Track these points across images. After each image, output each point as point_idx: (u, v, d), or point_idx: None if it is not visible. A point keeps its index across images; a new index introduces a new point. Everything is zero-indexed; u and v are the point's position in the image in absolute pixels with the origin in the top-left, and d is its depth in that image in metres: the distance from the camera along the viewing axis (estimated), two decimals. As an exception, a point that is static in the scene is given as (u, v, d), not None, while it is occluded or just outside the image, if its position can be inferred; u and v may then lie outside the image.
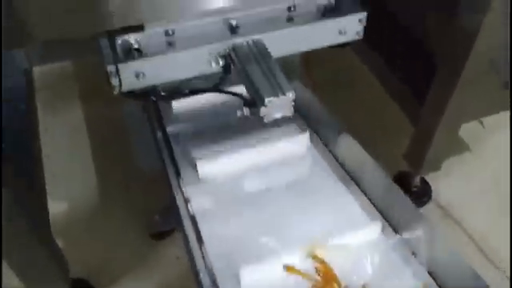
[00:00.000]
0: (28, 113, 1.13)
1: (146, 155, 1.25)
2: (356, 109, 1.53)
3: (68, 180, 1.36)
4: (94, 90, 1.52)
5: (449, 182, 1.40)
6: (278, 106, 0.79)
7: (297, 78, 1.15)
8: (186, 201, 0.96)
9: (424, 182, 1.38)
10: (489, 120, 1.49)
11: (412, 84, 1.21)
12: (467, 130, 1.48)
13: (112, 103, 1.30)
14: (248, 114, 0.81)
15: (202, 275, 0.82)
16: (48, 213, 1.13)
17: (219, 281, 0.82)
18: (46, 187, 1.19)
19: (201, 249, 0.87)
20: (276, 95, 0.78)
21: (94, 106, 1.57)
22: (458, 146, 1.49)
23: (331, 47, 0.97)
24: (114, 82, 0.80)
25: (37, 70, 1.60)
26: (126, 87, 0.82)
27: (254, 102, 0.80)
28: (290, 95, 0.78)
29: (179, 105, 1.12)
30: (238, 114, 0.81)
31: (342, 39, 0.94)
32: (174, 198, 0.97)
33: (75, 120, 1.53)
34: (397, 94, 1.27)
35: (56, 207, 1.25)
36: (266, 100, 0.77)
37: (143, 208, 1.27)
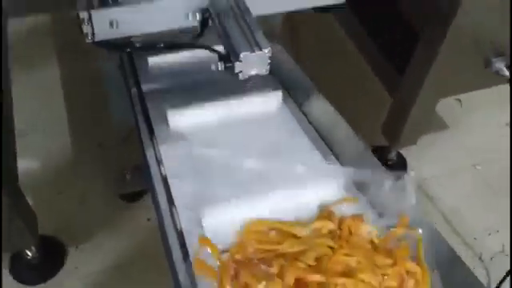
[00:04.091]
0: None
1: (121, 113, 1.22)
2: (337, 79, 1.51)
3: (40, 137, 1.34)
4: (71, 45, 1.49)
5: (425, 159, 1.41)
6: (253, 61, 0.77)
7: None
8: (158, 160, 0.95)
9: (400, 157, 1.38)
10: (467, 99, 1.51)
11: (393, 56, 1.20)
12: (446, 109, 1.50)
13: (89, 59, 1.27)
14: (222, 68, 0.79)
15: (170, 236, 0.80)
16: (16, 166, 1.10)
17: (187, 240, 0.78)
18: (18, 144, 1.17)
19: (171, 209, 0.85)
20: (252, 50, 0.76)
21: (70, 61, 1.53)
22: (436, 124, 1.50)
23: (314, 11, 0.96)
24: (87, 29, 0.78)
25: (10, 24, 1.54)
26: (99, 36, 0.80)
27: (229, 56, 0.78)
28: (267, 51, 0.77)
29: (155, 61, 1.09)
30: (213, 67, 0.79)
31: (325, 1, 0.92)
32: (146, 156, 0.95)
33: (50, 76, 1.49)
34: (377, 65, 1.26)
35: (26, 164, 1.22)
36: (242, 55, 0.75)
37: (116, 168, 1.26)
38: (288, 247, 0.77)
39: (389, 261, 0.77)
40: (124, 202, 1.25)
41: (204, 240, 0.77)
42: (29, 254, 1.09)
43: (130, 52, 0.89)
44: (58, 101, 1.42)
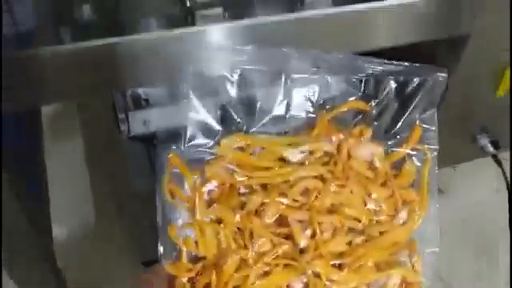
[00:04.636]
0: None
1: (142, 181, 1.33)
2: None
3: (63, 206, 1.44)
4: (94, 120, 1.61)
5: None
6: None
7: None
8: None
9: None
10: (460, 166, 1.62)
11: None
12: (439, 173, 1.61)
13: (112, 133, 1.39)
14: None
15: None
16: (51, 229, 1.21)
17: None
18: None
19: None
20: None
21: (92, 135, 1.65)
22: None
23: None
24: (124, 127, 0.91)
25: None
26: (133, 133, 0.93)
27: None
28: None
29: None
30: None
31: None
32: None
33: (75, 146, 1.61)
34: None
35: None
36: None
37: (137, 234, 1.36)
38: (276, 177, 0.64)
39: (386, 192, 0.66)
40: (143, 266, 1.35)
41: (174, 157, 0.68)
42: (58, 319, 1.18)
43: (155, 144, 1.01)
44: (82, 173, 1.54)
